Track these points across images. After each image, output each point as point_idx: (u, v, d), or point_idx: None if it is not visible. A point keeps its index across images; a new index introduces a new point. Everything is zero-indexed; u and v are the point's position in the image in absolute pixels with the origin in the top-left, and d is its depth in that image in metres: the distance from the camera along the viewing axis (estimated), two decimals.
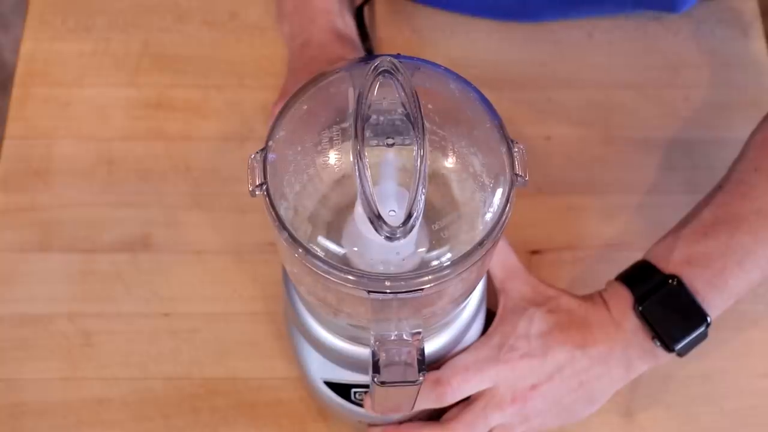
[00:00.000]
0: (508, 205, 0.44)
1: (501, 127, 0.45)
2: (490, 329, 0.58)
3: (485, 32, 0.76)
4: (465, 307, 0.57)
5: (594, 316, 0.57)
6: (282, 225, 0.43)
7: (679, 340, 0.56)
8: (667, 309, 0.55)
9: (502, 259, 0.59)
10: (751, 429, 0.63)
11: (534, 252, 0.67)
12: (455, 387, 0.55)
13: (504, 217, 0.43)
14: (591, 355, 0.56)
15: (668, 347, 0.56)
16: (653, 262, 0.58)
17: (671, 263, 0.57)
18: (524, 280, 0.59)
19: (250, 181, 0.43)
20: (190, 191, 0.69)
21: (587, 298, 0.59)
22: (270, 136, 0.45)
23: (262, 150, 0.44)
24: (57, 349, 0.63)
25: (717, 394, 0.63)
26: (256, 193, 0.43)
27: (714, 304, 0.56)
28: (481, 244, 0.43)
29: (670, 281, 0.56)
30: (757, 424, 0.63)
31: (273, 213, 0.43)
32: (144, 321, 0.65)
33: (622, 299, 0.57)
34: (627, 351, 0.57)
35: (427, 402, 0.56)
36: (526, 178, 0.44)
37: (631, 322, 0.56)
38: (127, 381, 0.63)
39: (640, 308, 0.56)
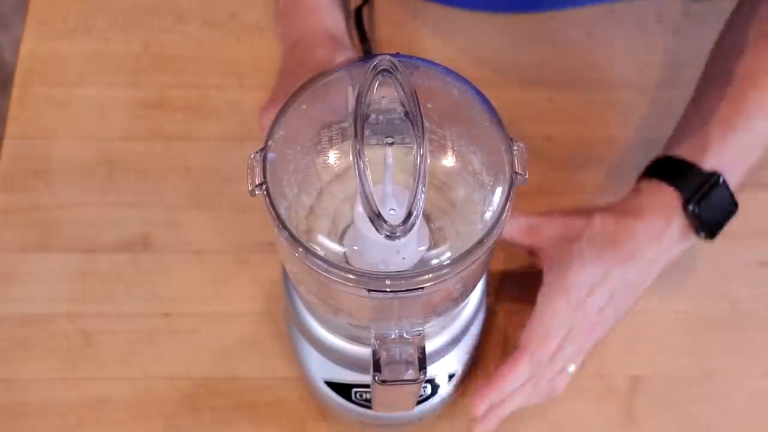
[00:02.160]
0: (508, 203, 0.44)
1: (500, 125, 0.45)
2: (546, 289, 0.59)
3: (485, 32, 0.76)
4: (465, 306, 0.57)
5: (635, 226, 0.59)
6: (282, 224, 0.43)
7: (719, 230, 0.59)
8: (712, 203, 0.58)
9: (517, 227, 0.60)
10: (751, 429, 0.63)
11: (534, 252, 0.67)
12: (555, 360, 0.58)
13: (504, 215, 0.43)
14: (639, 264, 0.59)
15: (712, 237, 0.59)
16: (688, 159, 0.59)
17: (708, 159, 0.58)
18: (548, 226, 0.60)
19: (249, 180, 0.43)
20: (190, 191, 0.69)
21: (622, 209, 0.60)
22: (270, 135, 0.45)
23: (262, 149, 0.44)
24: (57, 349, 0.63)
25: (717, 394, 0.63)
26: (256, 192, 0.43)
27: (735, 184, 0.60)
28: (481, 242, 0.43)
29: (711, 177, 0.58)
30: (757, 424, 0.63)
31: (273, 212, 0.43)
32: (144, 321, 0.65)
33: (668, 198, 0.59)
34: (669, 247, 0.59)
35: (536, 390, 0.59)
36: (526, 177, 0.44)
37: (679, 220, 0.58)
38: (127, 381, 0.63)
39: (691, 207, 0.58)
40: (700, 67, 0.65)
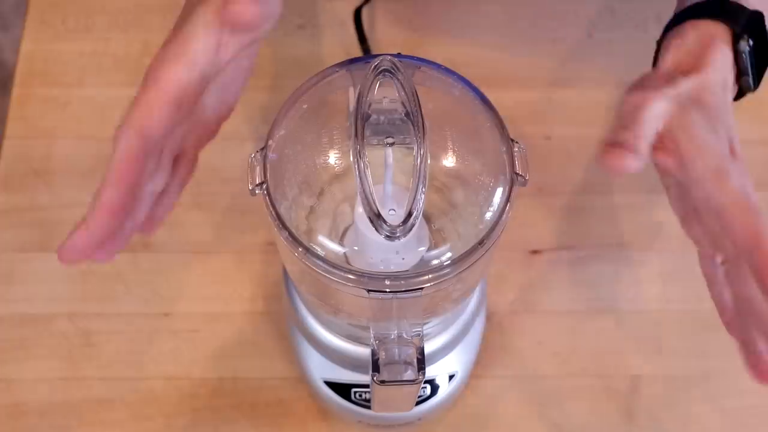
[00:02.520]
0: (508, 204, 0.44)
1: (501, 126, 0.45)
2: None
3: (485, 32, 0.76)
4: (465, 306, 0.57)
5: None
6: (282, 224, 0.43)
7: (759, 81, 0.54)
8: (758, 46, 0.53)
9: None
10: (751, 428, 0.63)
11: (534, 252, 0.67)
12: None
13: (504, 216, 0.43)
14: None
15: (753, 88, 0.54)
16: None
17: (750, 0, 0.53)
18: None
19: (250, 179, 0.43)
20: (190, 191, 0.69)
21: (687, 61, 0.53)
22: (270, 134, 0.45)
23: (263, 149, 0.44)
24: (57, 349, 0.63)
25: (717, 394, 0.63)
26: (256, 192, 0.43)
27: None
28: (481, 243, 0.43)
29: (757, 14, 0.53)
30: (757, 423, 0.63)
31: (273, 212, 0.43)
32: (144, 321, 0.65)
33: (721, 38, 0.52)
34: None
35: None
36: (527, 178, 0.44)
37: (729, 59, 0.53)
38: (127, 381, 0.63)
39: (740, 43, 0.52)
40: None
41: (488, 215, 0.44)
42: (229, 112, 0.51)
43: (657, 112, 0.49)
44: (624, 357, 0.64)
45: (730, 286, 0.50)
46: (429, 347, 0.55)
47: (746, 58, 0.53)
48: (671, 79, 0.50)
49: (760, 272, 0.44)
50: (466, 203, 0.46)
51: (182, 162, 0.50)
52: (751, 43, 0.53)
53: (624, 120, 0.50)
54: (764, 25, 0.53)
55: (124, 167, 0.44)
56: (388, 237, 0.40)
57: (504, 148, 0.44)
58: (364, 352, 0.55)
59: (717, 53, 0.51)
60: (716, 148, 0.48)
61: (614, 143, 0.49)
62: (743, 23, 0.53)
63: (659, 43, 0.55)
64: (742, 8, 0.53)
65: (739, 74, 0.53)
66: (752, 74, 0.54)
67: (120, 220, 0.45)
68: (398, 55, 0.44)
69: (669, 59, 0.52)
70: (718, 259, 0.52)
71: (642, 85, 0.51)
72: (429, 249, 0.45)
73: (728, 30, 0.52)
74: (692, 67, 0.51)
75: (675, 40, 0.53)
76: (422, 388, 0.58)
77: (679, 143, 0.48)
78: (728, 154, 0.48)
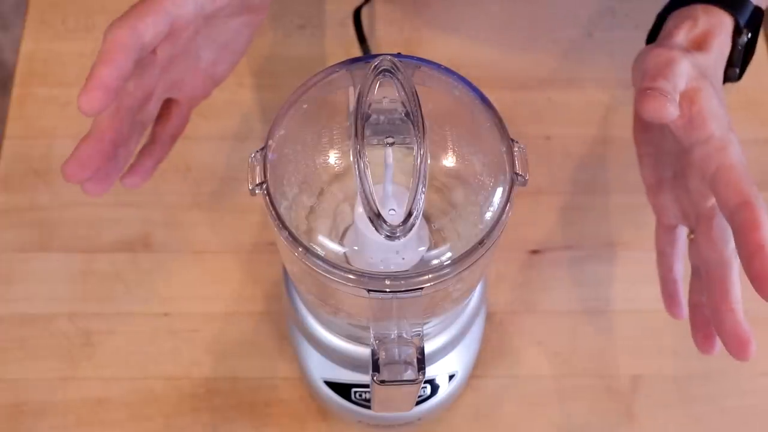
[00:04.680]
0: (509, 204, 0.44)
1: (501, 126, 0.45)
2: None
3: (485, 32, 0.77)
4: (465, 306, 0.57)
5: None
6: (282, 224, 0.43)
7: (743, 72, 0.56)
8: (750, 41, 0.55)
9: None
10: (752, 428, 0.63)
11: (534, 252, 0.67)
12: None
13: (504, 216, 0.43)
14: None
15: (736, 79, 0.56)
16: None
17: None
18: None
19: (250, 179, 0.43)
20: (190, 191, 0.69)
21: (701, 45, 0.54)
22: (270, 134, 0.45)
23: (263, 149, 0.44)
24: (57, 349, 0.63)
25: (717, 394, 0.63)
26: (256, 192, 0.43)
27: None
28: (481, 243, 0.43)
29: (758, 11, 0.54)
30: (757, 423, 0.63)
31: (273, 212, 0.43)
32: (144, 321, 0.65)
33: (725, 27, 0.54)
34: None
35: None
36: (527, 178, 0.44)
37: (726, 48, 0.55)
38: (127, 381, 0.63)
39: (741, 36, 0.54)
40: None
41: (488, 215, 0.44)
42: (222, 77, 0.54)
43: (684, 70, 0.51)
44: (624, 357, 0.64)
45: (694, 256, 0.53)
46: (429, 347, 0.55)
47: (740, 51, 0.55)
48: (688, 51, 0.52)
49: (743, 227, 0.45)
50: (466, 203, 0.46)
51: (174, 111, 0.52)
52: (749, 36, 0.55)
53: (657, 71, 0.52)
54: (761, 21, 0.55)
55: (117, 50, 0.45)
56: (388, 237, 0.40)
57: (504, 148, 0.44)
58: (364, 352, 0.55)
59: (720, 41, 0.53)
60: (725, 118, 0.50)
61: (654, 89, 0.50)
62: (747, 17, 0.54)
63: (661, 17, 0.57)
64: (748, 2, 0.55)
65: (729, 64, 0.55)
66: (744, 65, 0.56)
67: (117, 109, 0.47)
68: (398, 55, 0.44)
69: (682, 36, 0.54)
70: (680, 229, 0.56)
71: (663, 45, 0.53)
72: (429, 249, 0.45)
73: (733, 21, 0.54)
74: (699, 48, 0.53)
75: (688, 21, 0.54)
76: (422, 388, 0.58)
77: (693, 105, 0.50)
78: (730, 128, 0.50)
